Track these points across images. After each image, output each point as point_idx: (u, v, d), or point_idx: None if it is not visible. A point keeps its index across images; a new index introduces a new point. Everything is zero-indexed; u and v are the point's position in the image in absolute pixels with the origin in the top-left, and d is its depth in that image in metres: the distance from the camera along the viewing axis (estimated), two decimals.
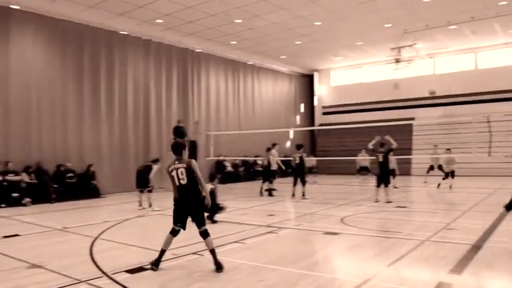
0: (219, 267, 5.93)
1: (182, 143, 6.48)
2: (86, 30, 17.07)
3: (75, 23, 16.61)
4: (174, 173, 6.14)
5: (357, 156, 21.08)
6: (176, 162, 6.19)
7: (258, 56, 25.47)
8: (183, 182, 6.09)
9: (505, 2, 16.87)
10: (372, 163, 18.61)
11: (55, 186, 14.97)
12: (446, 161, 16.93)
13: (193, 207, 6.13)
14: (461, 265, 6.03)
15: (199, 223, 6.10)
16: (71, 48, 16.63)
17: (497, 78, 23.75)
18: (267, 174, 16.19)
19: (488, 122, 13.69)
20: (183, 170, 6.09)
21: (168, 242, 6.19)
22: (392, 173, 16.83)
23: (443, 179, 16.86)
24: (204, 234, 6.06)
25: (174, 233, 6.19)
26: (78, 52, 16.85)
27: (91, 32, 17.26)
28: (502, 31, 21.37)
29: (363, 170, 21.24)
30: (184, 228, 6.21)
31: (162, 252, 6.16)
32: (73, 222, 10.40)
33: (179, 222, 6.17)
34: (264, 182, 16.23)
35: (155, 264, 6.10)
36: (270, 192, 15.82)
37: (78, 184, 15.74)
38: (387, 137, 13.68)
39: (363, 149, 19.48)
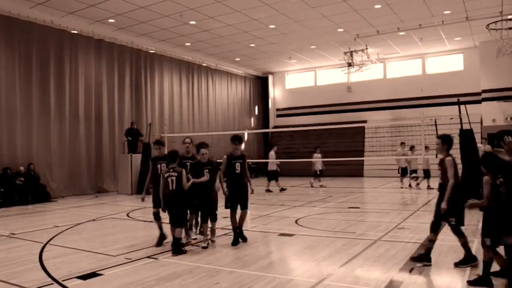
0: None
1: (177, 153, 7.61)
2: (34, 28, 16.39)
3: (22, 20, 15.97)
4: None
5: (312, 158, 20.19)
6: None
7: (213, 58, 25.40)
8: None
9: (449, 11, 17.66)
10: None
11: (1, 190, 14.32)
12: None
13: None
14: (410, 263, 6.24)
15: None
16: (17, 47, 15.94)
17: (443, 83, 24.76)
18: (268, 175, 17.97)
19: (435, 125, 14.23)
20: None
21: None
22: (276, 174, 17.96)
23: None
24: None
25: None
26: (25, 50, 16.15)
27: (39, 30, 16.59)
28: (447, 38, 22.32)
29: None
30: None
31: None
32: (21, 228, 10.00)
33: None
34: (270, 181, 17.70)
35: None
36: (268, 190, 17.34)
37: (28, 188, 15.09)
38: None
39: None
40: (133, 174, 17.80)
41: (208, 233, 7.76)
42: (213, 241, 7.83)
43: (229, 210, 7.93)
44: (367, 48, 22.41)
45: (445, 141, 6.25)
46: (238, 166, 7.87)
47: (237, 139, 8.00)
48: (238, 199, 7.88)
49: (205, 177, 7.56)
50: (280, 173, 18.61)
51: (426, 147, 16.54)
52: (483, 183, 5.27)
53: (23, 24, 16.01)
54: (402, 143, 18.61)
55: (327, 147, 25.12)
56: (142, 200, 8.18)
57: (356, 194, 16.54)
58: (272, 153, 18.35)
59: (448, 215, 6.02)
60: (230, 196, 7.88)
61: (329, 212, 11.91)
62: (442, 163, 6.21)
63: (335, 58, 25.57)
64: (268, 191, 17.37)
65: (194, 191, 7.47)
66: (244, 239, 7.98)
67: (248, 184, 8.08)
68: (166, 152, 8.13)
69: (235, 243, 7.76)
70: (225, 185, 7.92)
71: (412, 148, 18.16)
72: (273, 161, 18.08)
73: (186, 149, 8.28)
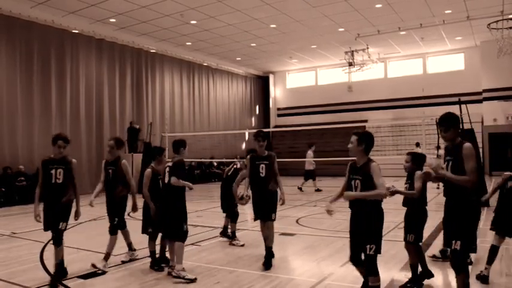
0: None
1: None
2: (35, 27, 16.40)
3: (23, 20, 15.97)
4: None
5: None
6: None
7: (214, 58, 25.39)
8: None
9: (450, 11, 17.65)
10: None
11: (2, 190, 14.32)
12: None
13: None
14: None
15: None
16: (19, 46, 15.95)
17: (444, 82, 24.73)
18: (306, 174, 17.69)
19: (436, 124, 14.21)
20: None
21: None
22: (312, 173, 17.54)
23: None
24: None
25: None
26: (26, 50, 16.17)
27: (40, 30, 16.60)
28: (448, 38, 22.30)
29: None
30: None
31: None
32: (22, 228, 9.99)
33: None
34: (307, 180, 17.61)
35: None
36: (316, 189, 17.30)
37: (29, 188, 15.06)
38: None
39: None
40: (133, 174, 17.75)
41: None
42: (171, 269, 5.94)
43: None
44: (368, 48, 22.41)
45: (363, 139, 4.71)
46: (262, 168, 6.48)
47: (260, 135, 6.53)
48: (263, 208, 6.59)
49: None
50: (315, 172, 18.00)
51: (439, 147, 16.30)
52: (415, 177, 5.73)
53: (24, 23, 16.02)
54: (418, 143, 18.05)
55: (327, 146, 25.11)
56: (37, 217, 6.38)
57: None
58: (310, 152, 17.84)
59: (369, 240, 4.70)
60: (254, 205, 6.67)
61: None
62: (363, 169, 4.72)
63: (336, 58, 25.56)
64: (300, 189, 17.50)
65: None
66: (269, 265, 6.32)
67: (277, 190, 6.66)
68: (65, 154, 6.24)
69: (268, 266, 6.32)
70: (240, 192, 6.77)
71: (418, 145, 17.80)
72: (309, 160, 17.70)
73: (109, 152, 6.84)
